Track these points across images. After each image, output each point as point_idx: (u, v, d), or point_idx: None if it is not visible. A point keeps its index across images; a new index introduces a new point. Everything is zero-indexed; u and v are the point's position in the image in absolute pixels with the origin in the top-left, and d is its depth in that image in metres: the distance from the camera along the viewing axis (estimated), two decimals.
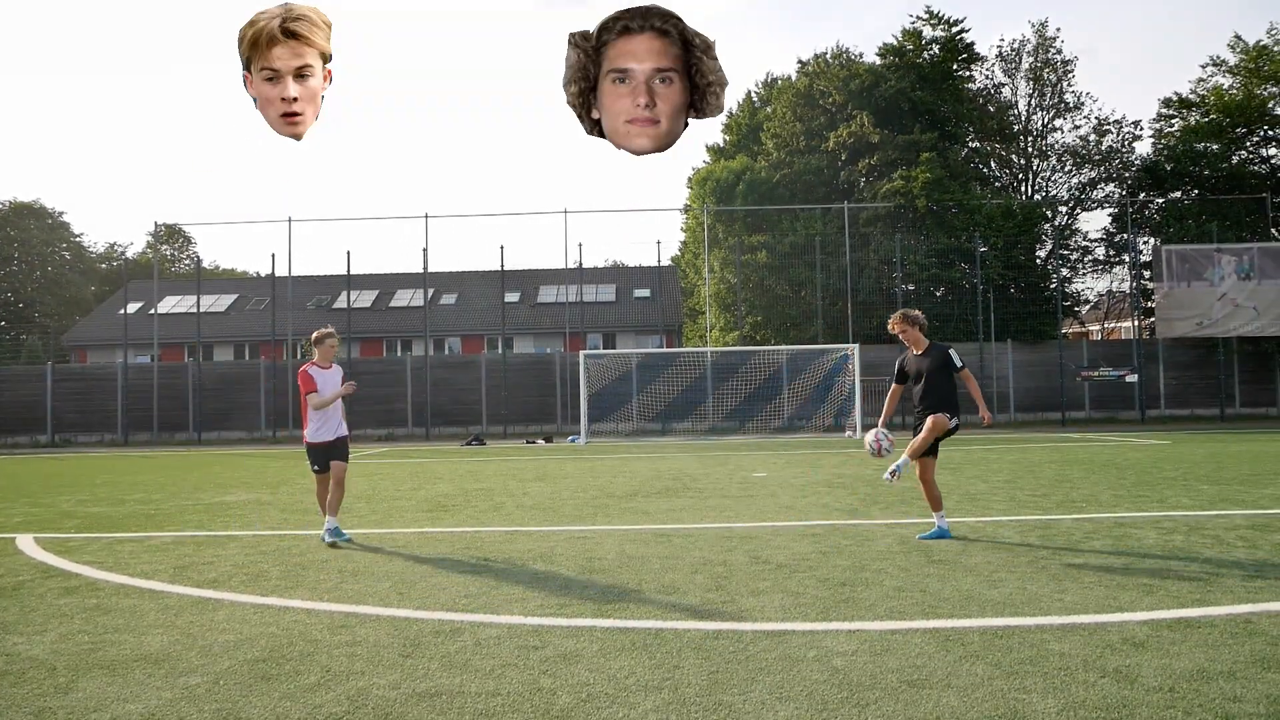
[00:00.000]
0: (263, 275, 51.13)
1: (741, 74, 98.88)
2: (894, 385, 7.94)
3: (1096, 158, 33.99)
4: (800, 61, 35.50)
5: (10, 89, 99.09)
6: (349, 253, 35.60)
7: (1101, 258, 34.45)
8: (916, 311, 7.80)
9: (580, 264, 30.33)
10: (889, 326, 7.77)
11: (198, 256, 52.43)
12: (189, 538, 8.20)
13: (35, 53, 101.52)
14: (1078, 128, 34.77)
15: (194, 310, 33.25)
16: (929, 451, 7.40)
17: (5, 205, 52.04)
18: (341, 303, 38.47)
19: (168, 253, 59.93)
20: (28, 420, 29.46)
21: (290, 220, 29.94)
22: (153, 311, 35.33)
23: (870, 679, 3.83)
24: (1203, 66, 32.80)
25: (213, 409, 28.99)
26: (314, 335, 8.07)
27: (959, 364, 7.51)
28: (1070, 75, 34.48)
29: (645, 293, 40.09)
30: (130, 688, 3.93)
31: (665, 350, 31.62)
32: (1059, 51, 34.35)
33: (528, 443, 24.65)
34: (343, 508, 10.17)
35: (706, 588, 5.62)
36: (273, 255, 35.57)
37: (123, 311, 34.43)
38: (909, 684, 3.76)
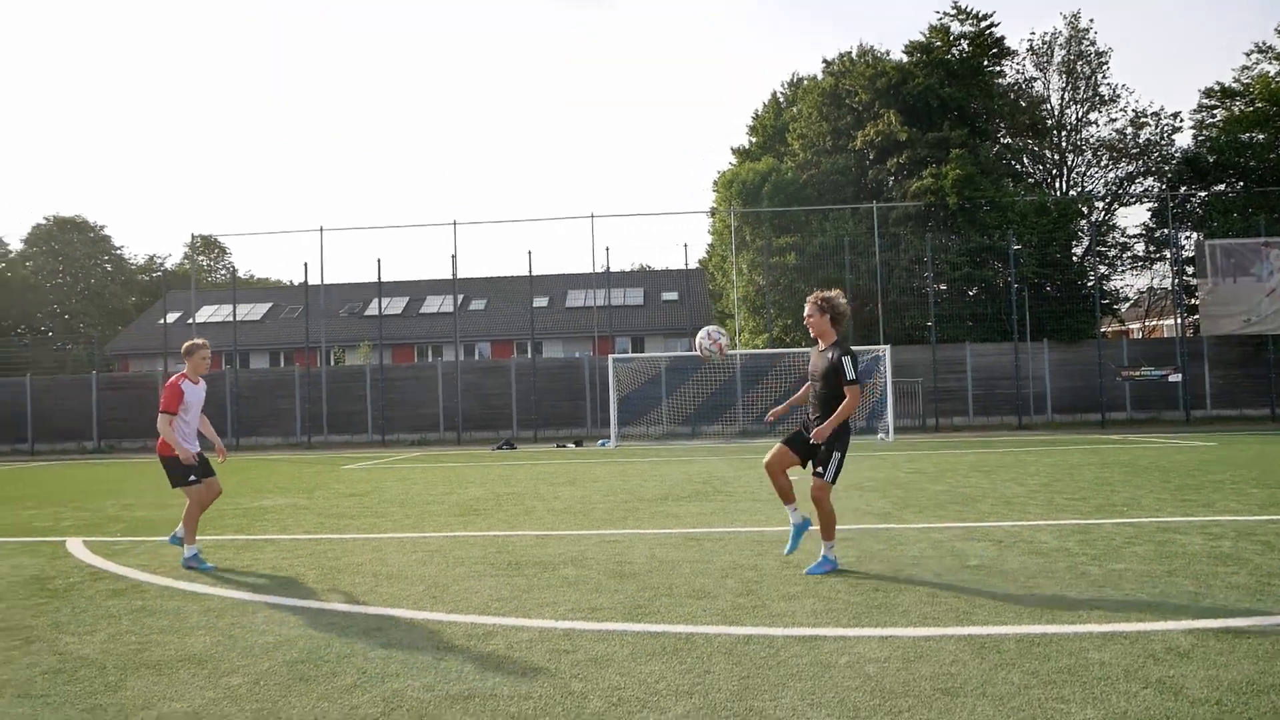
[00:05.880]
0: (296, 284, 51.74)
1: (766, 75, 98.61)
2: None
3: (1134, 151, 33.49)
4: (825, 61, 35.36)
5: (51, 107, 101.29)
6: (379, 260, 35.77)
7: (1141, 254, 33.92)
8: (834, 294, 6.27)
9: (608, 268, 30.38)
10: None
11: (233, 266, 53.29)
12: (228, 541, 8.33)
13: (75, 72, 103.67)
14: (1114, 121, 34.29)
15: (230, 319, 33.73)
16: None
17: (50, 220, 53.20)
18: (373, 309, 38.87)
19: (204, 263, 60.92)
20: (75, 427, 30.14)
21: (322, 229, 30.24)
22: (191, 321, 35.94)
23: (903, 686, 3.80)
24: (1247, 54, 32.23)
25: (249, 415, 29.39)
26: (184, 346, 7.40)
27: (850, 376, 6.01)
28: (1105, 67, 33.98)
29: (673, 296, 40.09)
30: (176, 687, 4.02)
31: (694, 353, 31.53)
32: (1093, 43, 33.90)
33: (558, 446, 24.73)
34: (378, 512, 10.30)
35: (737, 592, 5.61)
36: (305, 264, 36.11)
37: (162, 321, 34.98)
38: (942, 691, 3.72)
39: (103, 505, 11.75)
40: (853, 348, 6.34)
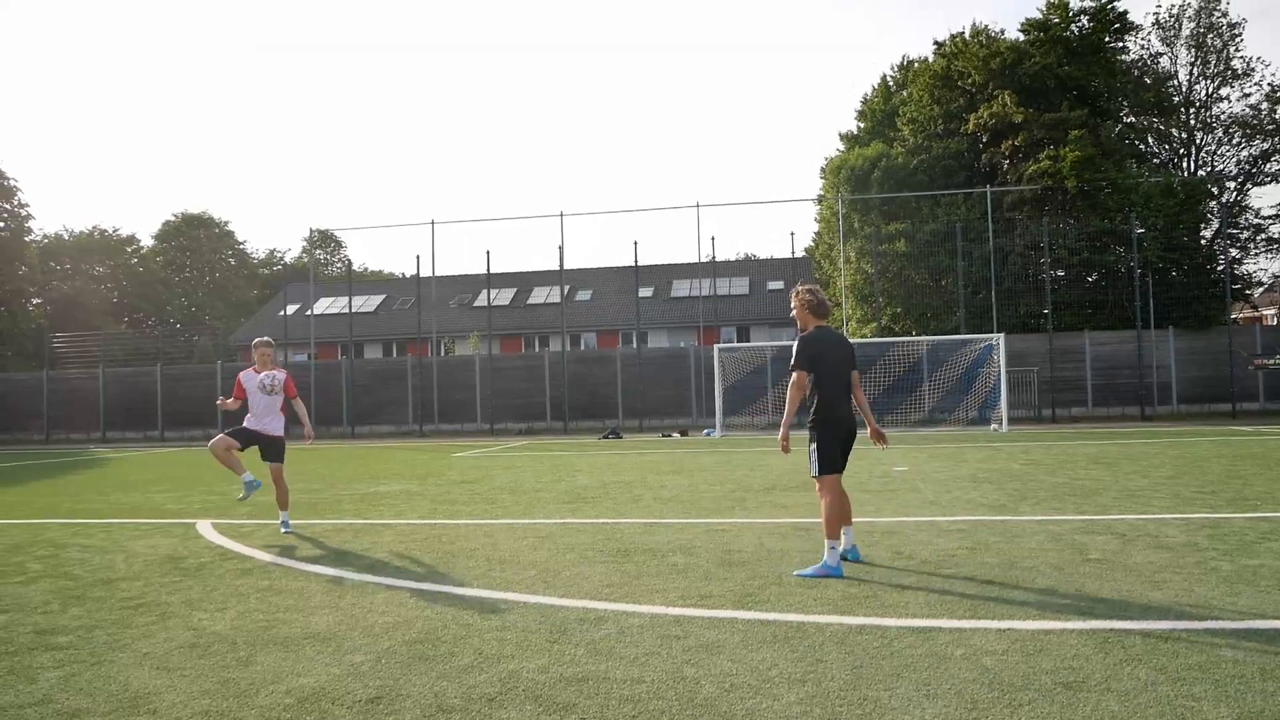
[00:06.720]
0: (408, 276, 53.37)
1: (875, 59, 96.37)
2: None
3: (1270, 127, 31.45)
4: (937, 42, 34.19)
5: (177, 109, 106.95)
6: (488, 252, 36.84)
7: (1277, 235, 31.87)
8: (811, 288, 6.24)
9: (713, 258, 30.43)
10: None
11: (348, 260, 55.20)
12: (347, 525, 8.69)
13: (200, 75, 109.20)
14: (1247, 96, 32.25)
15: (346, 310, 35.07)
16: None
17: (177, 217, 56.33)
18: (482, 300, 39.77)
19: (321, 257, 63.41)
20: (201, 415, 31.86)
21: (433, 222, 31.14)
22: (309, 313, 37.47)
23: (1023, 679, 3.70)
24: None
25: (364, 404, 30.51)
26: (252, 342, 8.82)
27: (792, 361, 6.05)
28: (1238, 39, 32.03)
29: (779, 285, 39.73)
30: (302, 663, 4.22)
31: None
32: (1224, 14, 31.97)
33: (663, 436, 24.84)
34: (489, 498, 10.57)
35: (849, 582, 5.55)
36: (417, 257, 37.39)
37: (282, 313, 36.65)
38: (1064, 686, 3.61)
39: (228, 489, 12.39)
40: (813, 337, 6.06)
